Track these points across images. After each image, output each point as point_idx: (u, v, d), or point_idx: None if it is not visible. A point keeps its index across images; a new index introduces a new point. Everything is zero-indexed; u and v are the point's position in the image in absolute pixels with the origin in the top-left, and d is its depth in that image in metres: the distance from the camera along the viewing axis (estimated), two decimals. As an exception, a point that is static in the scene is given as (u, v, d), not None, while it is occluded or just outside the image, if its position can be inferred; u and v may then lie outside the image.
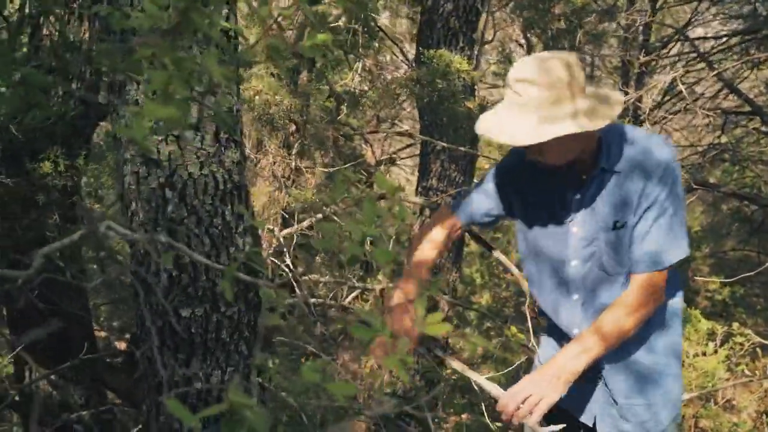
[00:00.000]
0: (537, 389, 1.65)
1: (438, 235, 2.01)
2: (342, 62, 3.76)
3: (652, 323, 1.84)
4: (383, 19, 10.84)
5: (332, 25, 4.10)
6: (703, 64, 7.45)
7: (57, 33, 3.67)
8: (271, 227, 3.51)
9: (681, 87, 5.19)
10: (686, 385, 3.54)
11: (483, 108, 4.02)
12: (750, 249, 7.81)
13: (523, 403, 1.65)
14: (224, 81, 0.78)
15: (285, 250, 3.53)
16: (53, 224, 3.42)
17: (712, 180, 7.65)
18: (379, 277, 5.17)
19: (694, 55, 7.62)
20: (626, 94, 6.27)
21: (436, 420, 4.86)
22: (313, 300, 3.42)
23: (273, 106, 2.65)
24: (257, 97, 2.63)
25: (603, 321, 1.72)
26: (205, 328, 2.08)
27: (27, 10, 3.50)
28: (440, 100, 3.14)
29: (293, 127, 3.46)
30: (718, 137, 7.44)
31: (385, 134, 8.07)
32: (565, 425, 1.72)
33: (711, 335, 3.90)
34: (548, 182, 1.81)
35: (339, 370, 5.07)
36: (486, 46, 8.83)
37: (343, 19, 4.24)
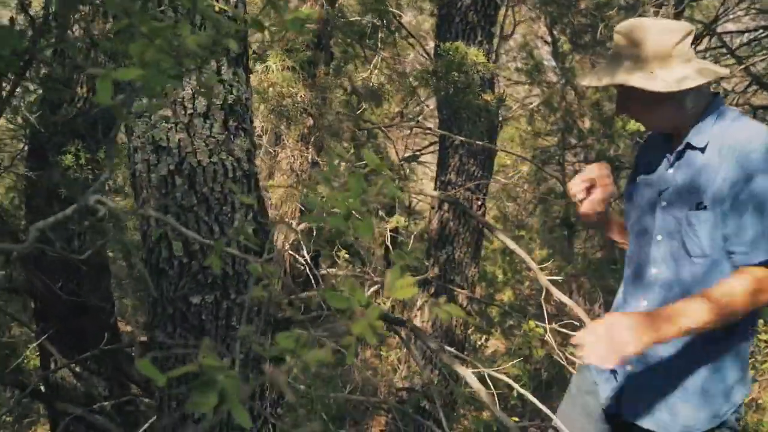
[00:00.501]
0: (617, 338, 1.57)
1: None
2: (359, 56, 3.77)
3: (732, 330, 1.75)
4: (408, 17, 10.85)
5: (351, 19, 4.11)
6: (732, 60, 7.34)
7: (82, 30, 3.74)
8: (289, 221, 3.53)
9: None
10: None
11: (502, 100, 4.00)
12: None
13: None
14: (198, 50, 0.79)
15: (302, 243, 3.55)
16: (74, 218, 3.48)
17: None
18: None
19: (723, 50, 7.51)
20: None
21: (455, 415, 4.84)
22: (329, 293, 3.42)
23: (287, 98, 2.67)
24: (271, 89, 2.65)
25: (715, 292, 1.63)
26: (215, 315, 2.10)
27: (53, 8, 3.57)
28: (456, 93, 3.14)
29: (310, 121, 3.47)
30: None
31: (408, 132, 8.07)
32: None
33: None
34: (657, 157, 1.86)
35: (359, 365, 5.08)
36: (510, 43, 8.79)
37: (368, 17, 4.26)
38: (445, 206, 4.10)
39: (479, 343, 5.13)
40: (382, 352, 5.68)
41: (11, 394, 5.11)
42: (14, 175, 4.84)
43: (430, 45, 7.00)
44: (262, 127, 3.30)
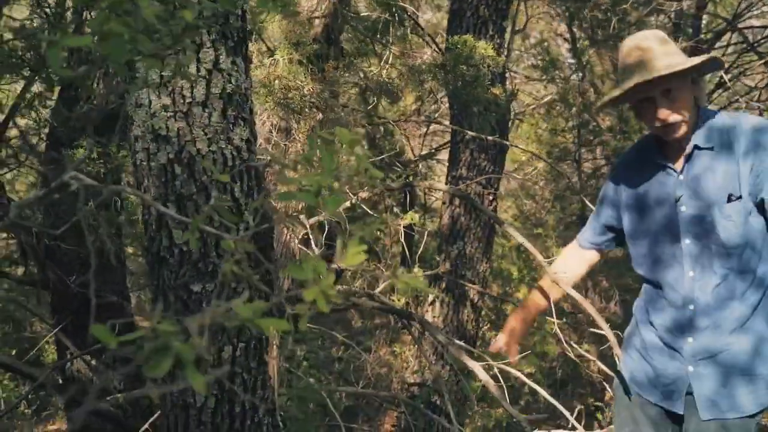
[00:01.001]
0: None
1: (559, 265, 2.40)
2: (372, 52, 3.78)
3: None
4: (427, 15, 10.84)
5: (362, 15, 4.12)
6: (755, 57, 7.21)
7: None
8: (298, 215, 3.54)
9: (726, 77, 5.05)
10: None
11: (512, 95, 3.98)
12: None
13: None
14: (157, 25, 0.80)
15: (312, 238, 3.56)
16: (89, 211, 3.52)
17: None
18: (415, 269, 5.17)
19: (745, 46, 7.38)
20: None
21: (469, 413, 4.83)
22: (337, 287, 3.43)
23: (292, 90, 2.68)
24: (276, 82, 2.66)
25: None
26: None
27: (69, 4, 3.61)
28: (464, 86, 3.13)
29: (320, 116, 3.48)
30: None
31: (425, 130, 8.07)
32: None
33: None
34: (655, 169, 2.01)
35: (371, 360, 5.09)
36: (530, 41, 8.75)
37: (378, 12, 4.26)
38: (456, 201, 4.09)
39: (494, 340, 5.08)
40: (396, 349, 5.68)
41: (30, 387, 5.19)
42: (34, 171, 4.92)
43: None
44: (273, 123, 3.32)
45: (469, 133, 3.77)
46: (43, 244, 3.41)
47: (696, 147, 1.91)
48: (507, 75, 4.48)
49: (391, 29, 4.02)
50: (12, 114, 3.30)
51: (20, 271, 4.76)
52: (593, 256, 2.39)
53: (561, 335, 3.47)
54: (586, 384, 5.64)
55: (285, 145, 3.65)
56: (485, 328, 6.17)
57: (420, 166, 6.64)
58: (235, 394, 2.23)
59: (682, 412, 2.05)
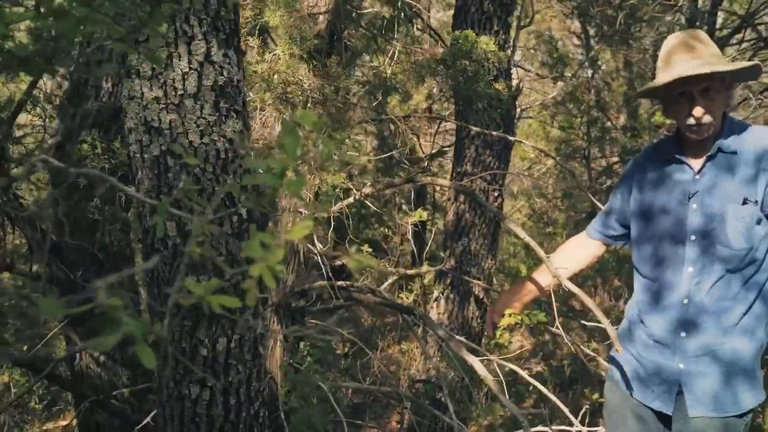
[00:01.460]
0: None
1: (562, 253, 2.48)
2: (373, 48, 3.78)
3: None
4: (440, 14, 10.82)
5: (365, 11, 4.12)
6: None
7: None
8: (301, 210, 3.55)
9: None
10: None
11: (518, 90, 3.96)
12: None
13: None
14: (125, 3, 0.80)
15: (314, 233, 3.56)
16: (94, 206, 3.56)
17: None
18: (424, 268, 5.17)
19: (761, 43, 7.29)
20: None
21: (476, 414, 4.81)
22: (340, 282, 3.44)
23: (291, 85, 2.69)
24: (276, 76, 2.67)
25: None
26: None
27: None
28: (466, 81, 3.12)
29: (327, 112, 3.49)
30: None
31: (436, 128, 8.05)
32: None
33: None
34: (672, 165, 2.06)
35: (378, 357, 5.09)
36: (538, 40, 8.71)
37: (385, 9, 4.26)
38: (461, 198, 4.08)
39: (501, 339, 5.08)
40: (404, 347, 5.68)
41: (41, 383, 5.26)
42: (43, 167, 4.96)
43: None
44: (275, 117, 3.33)
45: (474, 129, 3.77)
46: (48, 239, 3.45)
47: (720, 150, 1.96)
48: (513, 71, 4.47)
49: (396, 26, 4.02)
50: (17, 111, 3.33)
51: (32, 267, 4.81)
52: (597, 248, 2.43)
53: (563, 333, 3.45)
54: (595, 382, 5.60)
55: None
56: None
57: (428, 164, 6.63)
58: (230, 385, 2.24)
59: (671, 413, 2.05)
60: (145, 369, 2.27)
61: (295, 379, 3.58)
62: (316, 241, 3.52)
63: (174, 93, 1.93)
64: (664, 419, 2.12)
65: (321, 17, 3.65)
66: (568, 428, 3.25)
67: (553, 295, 3.15)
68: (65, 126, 3.68)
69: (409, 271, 4.15)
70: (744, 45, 7.80)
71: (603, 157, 6.77)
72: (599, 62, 6.43)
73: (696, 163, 2.01)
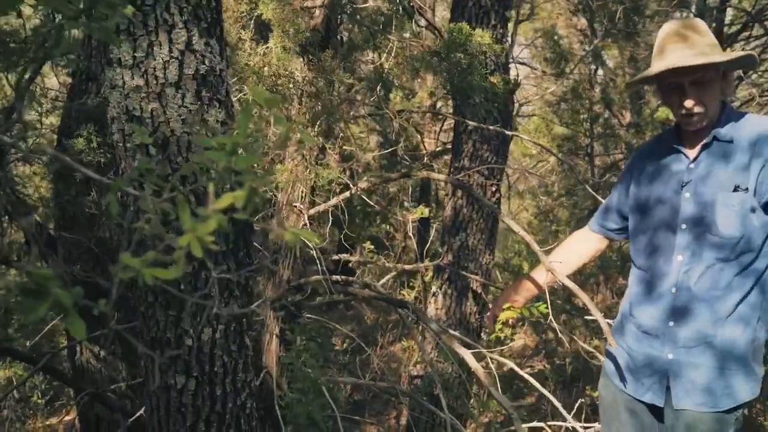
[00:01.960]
0: None
1: (565, 248, 2.49)
2: (370, 41, 3.77)
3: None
4: (443, 11, 10.79)
5: (363, 5, 4.11)
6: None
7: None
8: (297, 205, 3.55)
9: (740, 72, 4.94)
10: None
11: (515, 84, 3.94)
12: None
13: None
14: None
15: (308, 227, 3.56)
16: (91, 200, 3.58)
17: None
18: (423, 264, 5.15)
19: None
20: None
21: (474, 409, 4.78)
22: (335, 277, 3.43)
23: (282, 77, 2.68)
24: (266, 68, 2.67)
25: None
26: (194, 285, 2.12)
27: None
28: (460, 74, 3.10)
29: (319, 106, 3.48)
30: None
31: (440, 127, 8.04)
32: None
33: None
34: (669, 154, 2.05)
35: (378, 353, 5.08)
36: (541, 39, 8.67)
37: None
38: (459, 193, 4.06)
39: (502, 333, 5.04)
40: (405, 344, 5.67)
41: (43, 378, 5.30)
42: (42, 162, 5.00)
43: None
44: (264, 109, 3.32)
45: (471, 123, 3.75)
46: (45, 234, 3.47)
47: (716, 138, 1.95)
48: (511, 65, 4.45)
49: (394, 21, 4.01)
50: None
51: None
52: (599, 242, 2.42)
53: (558, 327, 3.43)
54: (597, 379, 5.56)
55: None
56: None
57: (430, 161, 6.61)
58: (215, 376, 2.24)
59: (662, 405, 2.02)
60: (144, 364, 2.28)
61: (292, 375, 3.58)
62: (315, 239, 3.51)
63: (155, 82, 1.93)
64: (657, 412, 2.09)
65: (317, 11, 3.65)
66: (564, 424, 3.22)
67: (547, 292, 3.13)
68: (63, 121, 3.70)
69: (407, 267, 4.15)
70: (753, 42, 7.73)
71: (607, 154, 6.73)
72: (605, 58, 6.39)
73: (692, 152, 2.00)
